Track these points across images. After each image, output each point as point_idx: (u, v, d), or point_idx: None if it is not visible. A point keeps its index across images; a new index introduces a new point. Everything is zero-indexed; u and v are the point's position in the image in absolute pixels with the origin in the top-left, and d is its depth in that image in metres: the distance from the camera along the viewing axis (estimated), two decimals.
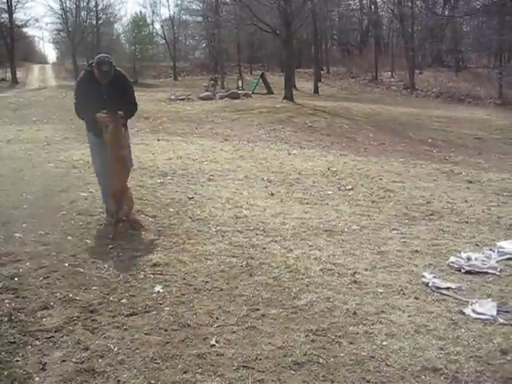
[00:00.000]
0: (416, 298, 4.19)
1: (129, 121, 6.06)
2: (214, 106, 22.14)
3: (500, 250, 5.30)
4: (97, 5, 53.04)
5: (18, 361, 3.12)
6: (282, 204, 6.94)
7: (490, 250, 5.34)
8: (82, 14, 52.72)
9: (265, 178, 8.46)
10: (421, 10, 40.05)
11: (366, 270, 4.76)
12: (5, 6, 48.34)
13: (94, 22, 53.47)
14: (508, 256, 5.17)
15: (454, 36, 41.87)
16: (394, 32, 51.09)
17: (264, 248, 5.19)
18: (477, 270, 4.81)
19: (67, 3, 51.88)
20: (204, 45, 60.66)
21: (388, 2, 44.10)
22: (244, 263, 4.76)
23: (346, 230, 5.93)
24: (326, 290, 4.26)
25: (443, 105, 29.58)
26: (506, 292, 4.35)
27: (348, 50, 56.63)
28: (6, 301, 3.83)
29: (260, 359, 3.24)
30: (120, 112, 5.70)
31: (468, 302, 4.10)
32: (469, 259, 4.96)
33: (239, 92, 28.12)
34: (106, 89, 5.71)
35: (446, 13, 39.14)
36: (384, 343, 3.47)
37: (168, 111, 20.05)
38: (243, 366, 3.16)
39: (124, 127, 5.92)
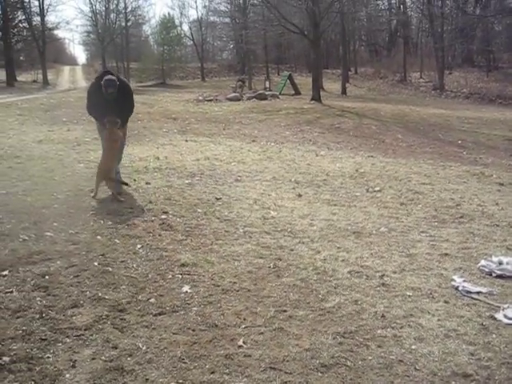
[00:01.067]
0: (445, 302, 4.13)
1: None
2: (241, 107, 22.20)
3: None
4: (126, 7, 53.70)
5: (49, 357, 3.17)
6: (309, 205, 6.92)
7: None
8: (112, 16, 53.43)
9: (292, 180, 8.45)
10: (451, 9, 39.56)
11: (395, 272, 4.72)
12: (37, 10, 49.32)
13: (123, 23, 54.11)
14: None
15: (485, 35, 41.20)
16: (423, 32, 50.62)
17: (292, 249, 5.18)
18: (508, 274, 4.72)
19: (97, 6, 52.75)
20: (231, 46, 60.88)
21: (417, 1, 43.63)
22: (271, 264, 4.76)
23: (374, 232, 5.88)
24: (354, 293, 4.24)
25: (473, 106, 29.14)
26: None
27: (376, 51, 56.19)
28: (38, 298, 3.90)
29: (287, 361, 3.23)
30: (117, 120, 6.96)
31: (499, 307, 4.02)
32: (500, 263, 4.87)
33: (267, 93, 28.14)
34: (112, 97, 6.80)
35: (478, 12, 38.54)
36: (413, 347, 3.43)
37: (196, 112, 20.17)
38: (270, 368, 3.15)
39: (121, 127, 7.16)
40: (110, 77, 6.79)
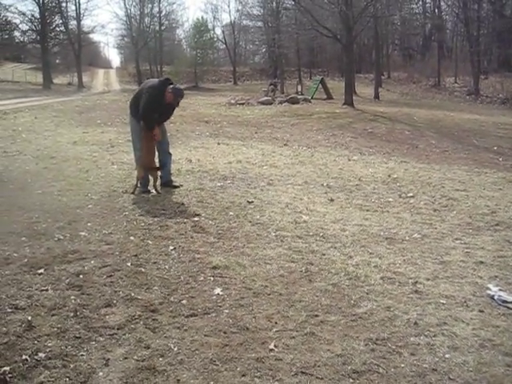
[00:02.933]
0: (480, 311, 4.05)
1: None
2: (273, 110, 22.22)
3: None
4: (160, 11, 54.45)
5: (82, 355, 3.22)
6: (341, 210, 6.88)
7: None
8: (146, 20, 54.22)
9: (324, 184, 8.41)
10: (488, 12, 38.92)
11: (428, 279, 4.65)
12: (73, 14, 50.37)
13: (157, 27, 54.84)
14: None
15: None
16: (459, 36, 49.98)
17: (323, 254, 5.15)
18: None
19: (132, 10, 53.53)
20: (264, 50, 61.06)
21: (453, 5, 43.04)
22: (303, 269, 4.74)
23: (407, 238, 5.81)
24: (387, 299, 4.19)
25: (510, 111, 28.57)
26: None
27: (410, 55, 55.67)
28: (72, 297, 3.96)
29: (318, 366, 3.21)
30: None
31: None
32: None
33: (299, 97, 28.16)
34: (165, 108, 7.34)
35: None
36: (447, 356, 3.37)
37: (228, 115, 20.28)
38: (301, 372, 3.14)
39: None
40: (179, 86, 7.52)
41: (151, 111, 7.12)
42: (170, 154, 7.83)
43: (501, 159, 12.79)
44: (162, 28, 56.15)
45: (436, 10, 49.75)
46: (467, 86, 38.36)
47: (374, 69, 38.42)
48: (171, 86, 7.14)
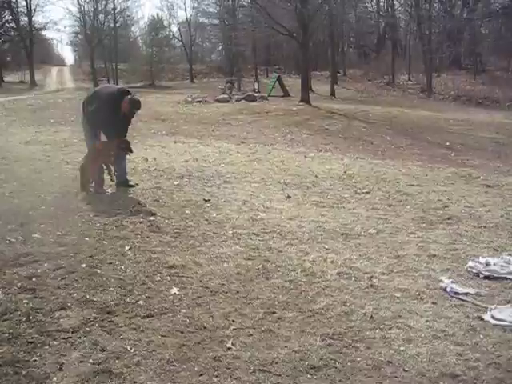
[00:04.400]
0: (434, 303, 4.14)
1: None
2: (230, 108, 22.18)
3: None
4: (114, 8, 53.46)
5: (35, 360, 3.14)
6: (298, 207, 6.92)
7: (509, 254, 5.27)
8: (100, 16, 53.18)
9: (281, 181, 8.45)
10: (439, 12, 39.83)
11: (383, 274, 4.73)
12: (24, 10, 49.04)
13: (112, 24, 53.87)
14: None
15: (472, 38, 41.53)
16: (411, 34, 50.82)
17: (280, 251, 5.18)
18: (496, 275, 4.75)
19: (85, 6, 52.42)
20: (220, 47, 60.87)
21: (405, 4, 43.86)
22: (260, 266, 4.75)
23: (362, 233, 5.90)
24: (343, 294, 4.24)
25: (461, 108, 29.31)
26: None
27: (365, 53, 56.42)
28: (24, 301, 3.86)
29: (276, 363, 3.23)
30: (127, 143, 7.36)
31: (487, 308, 4.05)
32: (487, 264, 4.90)
33: (256, 94, 28.16)
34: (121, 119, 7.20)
35: (465, 15, 38.84)
36: (401, 348, 3.44)
37: (184, 113, 20.13)
38: (259, 370, 3.15)
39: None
40: (135, 96, 7.29)
41: (111, 125, 7.14)
42: (125, 154, 7.70)
43: (453, 154, 13.13)
44: (117, 25, 55.18)
45: (389, 9, 50.52)
46: (420, 83, 39.07)
47: (330, 66, 38.75)
48: (128, 97, 7.06)
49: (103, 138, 7.42)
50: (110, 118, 6.99)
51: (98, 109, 7.05)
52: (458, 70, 42.87)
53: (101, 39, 51.21)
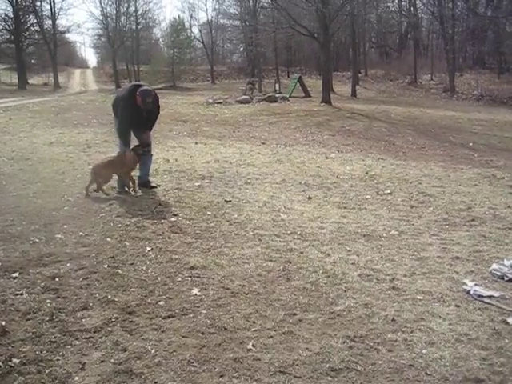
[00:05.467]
0: (457, 306, 4.08)
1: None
2: (251, 109, 22.21)
3: None
4: (136, 10, 54.00)
5: (58, 360, 3.17)
6: (319, 208, 6.89)
7: None
8: (122, 19, 53.72)
9: (302, 182, 8.42)
10: (462, 10, 39.37)
11: (405, 276, 4.68)
12: (48, 13, 49.73)
13: (134, 26, 54.43)
14: None
15: (496, 37, 40.96)
16: (434, 34, 50.45)
17: (301, 252, 5.16)
18: None
19: (108, 9, 53.05)
20: (241, 48, 61.03)
21: (428, 3, 43.45)
22: (281, 267, 4.74)
23: (384, 235, 5.85)
24: (364, 296, 4.20)
25: (484, 108, 28.97)
26: None
27: (386, 53, 56.09)
28: (48, 301, 3.90)
29: (297, 364, 3.21)
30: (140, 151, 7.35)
31: (511, 312, 3.98)
32: None
33: (277, 95, 28.17)
34: (146, 113, 7.22)
35: (489, 13, 38.34)
36: (424, 351, 3.39)
37: (206, 114, 20.22)
38: (280, 371, 3.13)
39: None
40: (145, 87, 7.25)
41: (126, 126, 7.23)
42: (151, 155, 7.77)
43: (476, 155, 12.96)
44: (139, 27, 55.73)
45: (411, 8, 50.17)
46: (443, 83, 38.73)
47: (351, 67, 38.65)
48: (139, 90, 7.09)
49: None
50: (128, 112, 7.08)
51: (117, 106, 7.23)
52: (481, 69, 42.35)
53: (123, 41, 51.73)
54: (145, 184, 7.52)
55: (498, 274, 4.75)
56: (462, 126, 18.50)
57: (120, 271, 4.53)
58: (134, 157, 7.24)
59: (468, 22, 40.02)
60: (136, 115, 7.12)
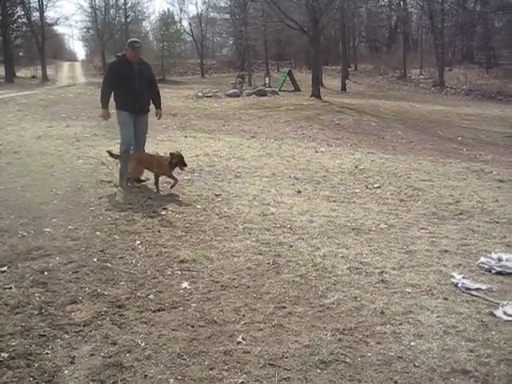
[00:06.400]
0: (445, 299, 4.12)
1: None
2: (241, 103, 22.18)
3: None
4: (125, 3, 53.67)
5: (47, 353, 3.17)
6: (309, 202, 6.91)
7: None
8: (111, 11, 53.39)
9: (292, 176, 8.44)
10: (451, 5, 39.50)
11: (394, 269, 4.71)
12: (36, 5, 49.23)
13: (123, 19, 54.07)
14: None
15: (485, 32, 41.17)
16: (423, 28, 50.58)
17: (291, 246, 5.17)
18: (508, 271, 4.72)
19: (96, 1, 52.66)
20: (231, 42, 60.83)
21: None
22: (271, 261, 4.75)
23: (373, 228, 5.88)
24: (354, 289, 4.23)
25: (473, 102, 29.13)
26: None
27: (376, 47, 56.17)
28: (36, 294, 3.89)
29: (286, 357, 3.23)
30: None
31: (499, 304, 4.02)
32: (500, 260, 4.86)
33: (266, 89, 28.14)
34: (137, 70, 7.16)
35: (478, 8, 38.50)
36: (412, 344, 3.42)
37: (195, 108, 20.16)
38: (269, 364, 3.15)
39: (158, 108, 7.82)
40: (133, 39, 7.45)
41: (108, 85, 7.22)
42: (143, 150, 7.73)
43: (464, 149, 13.04)
44: (128, 20, 55.37)
45: (401, 3, 50.24)
46: (432, 77, 38.87)
47: (341, 61, 38.61)
48: (127, 44, 7.27)
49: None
50: (113, 70, 7.24)
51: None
52: (470, 64, 42.55)
53: (112, 34, 51.40)
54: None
55: (486, 267, 4.80)
56: (451, 121, 18.59)
57: (109, 265, 4.53)
58: (169, 163, 7.08)
59: (457, 17, 40.22)
60: (125, 71, 7.12)
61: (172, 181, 7.18)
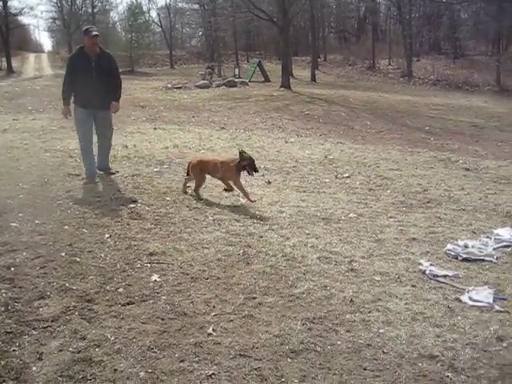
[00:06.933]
0: (413, 286, 4.19)
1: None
2: (210, 94, 22.07)
3: (497, 237, 5.32)
4: None
5: (14, 350, 3.11)
6: (278, 192, 6.93)
7: (487, 237, 5.36)
8: (78, 1, 52.47)
9: (262, 167, 8.42)
10: None
11: (363, 257, 4.76)
12: None
13: (90, 10, 53.14)
14: (505, 243, 5.18)
15: (451, 23, 41.71)
16: (392, 19, 50.92)
17: (261, 236, 5.18)
18: (474, 257, 4.82)
19: None
20: (201, 33, 60.25)
21: None
22: (241, 252, 4.75)
23: (343, 217, 5.93)
24: (323, 278, 4.26)
25: (440, 92, 29.54)
26: (502, 279, 4.37)
27: (345, 38, 56.39)
28: (3, 291, 3.82)
29: (257, 347, 3.24)
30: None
31: (465, 290, 4.10)
32: (466, 247, 4.97)
33: (236, 80, 28.02)
34: (95, 62, 6.80)
35: None
36: (381, 331, 3.47)
37: (164, 100, 19.97)
38: (240, 355, 3.15)
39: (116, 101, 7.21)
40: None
41: (68, 79, 6.90)
42: (110, 148, 7.56)
43: (432, 139, 13.24)
44: (95, 10, 54.49)
45: None
46: (400, 67, 39.22)
47: (311, 51, 38.69)
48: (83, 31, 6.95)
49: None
50: (73, 71, 6.84)
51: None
52: (437, 54, 43.08)
53: (79, 25, 50.42)
54: (104, 170, 7.38)
55: (452, 253, 4.89)
56: (419, 111, 18.83)
57: (78, 259, 4.47)
58: (235, 168, 6.26)
59: (424, 8, 40.63)
60: (81, 63, 6.79)
61: (231, 188, 6.40)
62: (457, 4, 35.97)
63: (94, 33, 6.75)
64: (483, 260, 4.79)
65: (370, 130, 14.28)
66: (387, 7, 50.98)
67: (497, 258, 4.83)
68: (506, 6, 27.16)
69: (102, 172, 7.36)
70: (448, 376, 3.01)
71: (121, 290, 3.96)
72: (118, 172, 7.50)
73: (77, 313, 3.58)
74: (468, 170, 8.95)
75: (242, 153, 6.27)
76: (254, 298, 3.88)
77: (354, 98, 21.33)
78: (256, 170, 6.35)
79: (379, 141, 12.52)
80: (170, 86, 26.25)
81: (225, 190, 6.51)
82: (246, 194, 6.27)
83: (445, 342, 3.33)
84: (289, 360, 3.13)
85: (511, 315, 3.73)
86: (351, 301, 3.88)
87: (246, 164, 6.22)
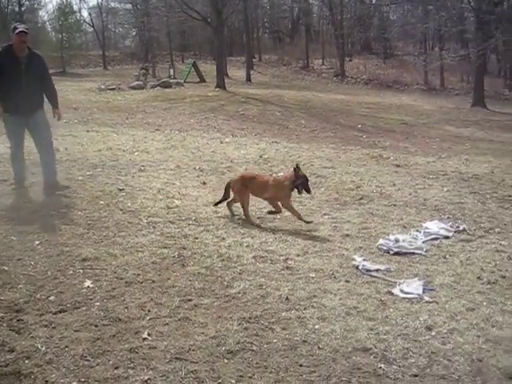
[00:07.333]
0: (347, 281, 4.28)
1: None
2: (145, 95, 21.74)
3: (426, 230, 5.52)
4: None
5: None
6: (214, 193, 6.90)
7: (417, 231, 5.54)
8: (3, 0, 50.44)
9: (197, 168, 8.40)
10: None
11: (298, 255, 4.82)
12: None
13: (17, 8, 51.25)
14: (433, 236, 5.38)
15: (381, 24, 42.89)
16: (324, 20, 51.76)
17: (196, 238, 5.16)
18: (404, 251, 4.98)
19: None
20: (134, 33, 59.21)
21: None
22: (176, 254, 4.71)
23: (278, 216, 5.97)
24: (259, 277, 4.29)
25: (372, 91, 30.32)
26: (431, 271, 4.54)
27: (279, 38, 56.88)
28: None
29: (193, 350, 3.22)
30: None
31: (396, 283, 4.23)
32: (397, 241, 5.12)
33: (171, 81, 27.73)
34: (25, 64, 6.30)
35: (374, 1, 39.94)
36: (316, 327, 3.52)
37: (98, 101, 19.52)
38: (176, 358, 3.13)
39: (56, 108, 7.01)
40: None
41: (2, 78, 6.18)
42: (53, 152, 7.02)
43: (364, 136, 13.55)
44: (23, 9, 52.62)
45: None
46: (334, 67, 39.92)
47: (245, 52, 38.79)
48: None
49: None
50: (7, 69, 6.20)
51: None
52: (368, 54, 44.17)
53: (5, 24, 48.39)
54: (52, 184, 6.67)
55: (384, 248, 5.03)
56: (352, 109, 19.24)
57: (6, 268, 4.30)
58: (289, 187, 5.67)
59: (355, 9, 41.54)
60: (9, 65, 6.19)
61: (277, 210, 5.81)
62: (386, 6, 37.01)
63: (21, 29, 6.25)
64: (413, 253, 4.96)
65: (304, 129, 14.46)
66: (320, 8, 51.80)
67: (426, 251, 5.01)
68: (431, 9, 28.17)
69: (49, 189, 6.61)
70: (381, 367, 3.10)
71: (52, 298, 3.84)
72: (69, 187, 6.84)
73: (5, 324, 3.45)
74: (399, 166, 9.21)
75: (296, 169, 5.65)
76: (190, 300, 3.86)
77: (289, 97, 21.53)
78: (309, 191, 5.79)
79: (313, 139, 12.70)
80: (103, 87, 25.69)
81: (269, 212, 5.90)
82: (299, 216, 5.67)
83: (377, 335, 3.42)
84: (225, 361, 3.13)
85: (439, 305, 3.88)
86: (287, 298, 3.92)
87: (300, 183, 5.65)
